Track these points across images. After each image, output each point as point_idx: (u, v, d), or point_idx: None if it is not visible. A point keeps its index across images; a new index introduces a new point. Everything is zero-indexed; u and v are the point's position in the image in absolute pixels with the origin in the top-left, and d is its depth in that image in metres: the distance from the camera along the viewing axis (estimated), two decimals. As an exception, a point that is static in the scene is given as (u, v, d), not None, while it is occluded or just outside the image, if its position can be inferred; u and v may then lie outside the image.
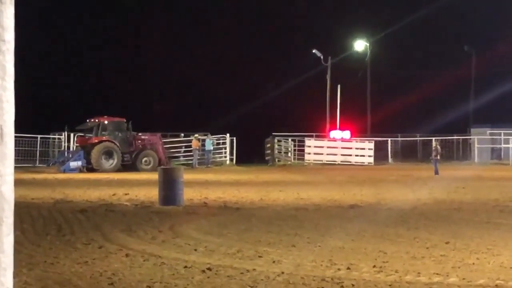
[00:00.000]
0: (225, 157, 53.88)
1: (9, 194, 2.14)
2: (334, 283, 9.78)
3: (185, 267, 10.90)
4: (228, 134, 53.68)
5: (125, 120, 45.88)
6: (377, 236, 14.33)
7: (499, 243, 13.24)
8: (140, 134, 46.70)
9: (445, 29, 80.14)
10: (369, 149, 54.86)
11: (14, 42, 2.24)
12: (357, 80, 64.46)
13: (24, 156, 48.10)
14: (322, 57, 61.18)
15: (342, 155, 54.87)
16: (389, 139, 57.53)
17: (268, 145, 55.96)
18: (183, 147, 52.85)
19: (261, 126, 58.55)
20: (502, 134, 55.97)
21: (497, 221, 17.04)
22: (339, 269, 10.69)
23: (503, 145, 56.27)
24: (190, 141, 51.51)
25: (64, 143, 50.14)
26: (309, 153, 55.49)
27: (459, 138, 57.80)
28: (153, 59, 78.15)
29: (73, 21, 78.46)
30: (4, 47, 2.18)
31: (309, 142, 56.30)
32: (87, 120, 46.03)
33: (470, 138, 57.66)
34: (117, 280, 10.02)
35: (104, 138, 44.53)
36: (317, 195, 24.64)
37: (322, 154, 55.41)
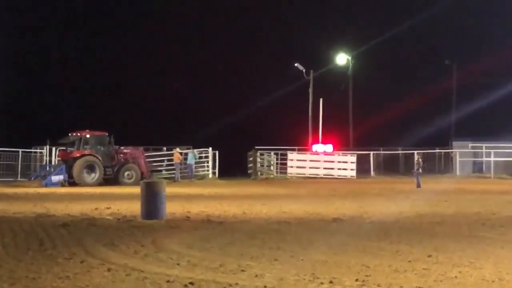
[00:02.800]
0: (208, 170, 53.79)
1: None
2: (317, 297, 9.77)
3: (168, 281, 10.88)
4: (210, 148, 53.60)
5: (107, 134, 45.76)
6: (359, 249, 14.35)
7: (481, 257, 13.29)
8: (122, 147, 46.58)
9: (426, 43, 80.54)
10: (351, 162, 54.88)
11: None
12: (339, 93, 64.55)
13: (6, 170, 47.83)
14: (304, 70, 61.25)
15: (324, 168, 54.87)
16: (371, 152, 57.63)
17: (251, 158, 55.92)
18: (166, 160, 52.74)
19: (243, 140, 58.51)
20: (484, 148, 56.18)
21: (479, 234, 17.11)
22: (322, 283, 10.69)
23: (484, 159, 56.46)
24: (172, 154, 51.40)
25: (46, 157, 49.90)
26: (292, 167, 55.45)
27: (440, 152, 57.98)
28: (135, 73, 78.06)
29: (54, 34, 78.25)
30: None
31: (292, 155, 56.30)
32: (69, 134, 45.87)
33: (452, 152, 57.86)
34: (99, 295, 9.98)
35: (86, 152, 44.40)
36: (300, 208, 24.64)
37: (304, 167, 55.41)
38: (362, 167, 55.54)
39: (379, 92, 71.74)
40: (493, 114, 62.85)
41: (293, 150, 58.06)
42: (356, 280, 10.91)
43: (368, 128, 63.21)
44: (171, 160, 51.55)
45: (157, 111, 74.41)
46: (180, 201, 27.71)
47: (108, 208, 24.53)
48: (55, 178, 42.76)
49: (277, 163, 56.83)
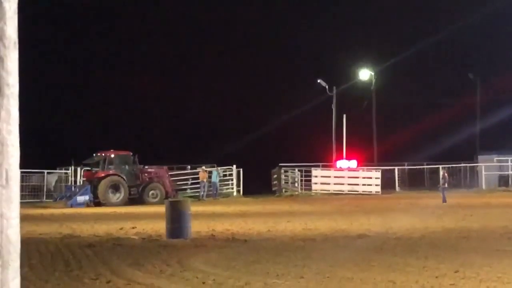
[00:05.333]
0: (232, 188, 53.80)
1: (15, 237, 2.15)
2: (343, 315, 9.72)
3: (194, 301, 10.86)
4: (234, 166, 53.65)
5: (131, 154, 45.95)
6: (385, 266, 14.26)
7: (509, 271, 13.17)
8: (146, 167, 46.76)
9: (450, 57, 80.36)
10: (376, 178, 54.71)
11: (19, 83, 2.27)
12: (363, 109, 64.49)
13: (31, 192, 48.06)
14: (327, 87, 61.24)
15: (349, 184, 54.71)
16: (396, 167, 57.37)
17: (275, 175, 55.88)
18: (190, 179, 52.81)
19: (267, 157, 58.52)
20: (510, 161, 55.85)
21: (507, 248, 16.95)
22: (348, 300, 10.64)
23: (510, 172, 56.13)
24: (196, 173, 51.50)
25: (71, 177, 50.14)
26: (316, 183, 55.34)
27: (466, 166, 57.68)
28: (159, 91, 78.39)
29: (77, 55, 78.86)
30: (8, 91, 2.20)
31: (316, 172, 56.17)
32: (94, 155, 46.11)
33: (477, 166, 57.53)
34: (125, 315, 9.98)
35: (110, 172, 44.58)
36: (325, 225, 24.57)
37: (329, 184, 55.28)
38: (387, 182, 55.31)
39: (403, 106, 71.59)
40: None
41: (317, 166, 57.94)
42: (383, 297, 10.85)
43: (393, 143, 63.03)
44: (196, 178, 51.60)
45: (181, 130, 74.61)
46: (205, 219, 27.71)
47: (133, 227, 24.57)
48: (80, 199, 42.95)
49: (301, 180, 56.71)
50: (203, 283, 12.53)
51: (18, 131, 2.16)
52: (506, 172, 56.74)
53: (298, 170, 56.75)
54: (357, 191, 53.69)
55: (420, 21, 77.65)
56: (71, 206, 41.63)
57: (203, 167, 51.28)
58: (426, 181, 57.41)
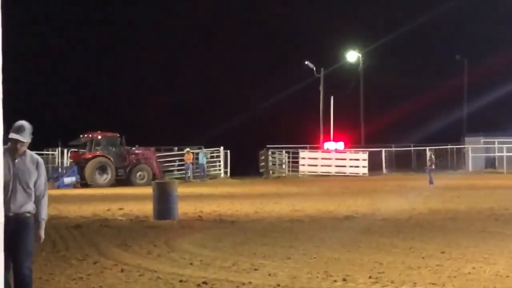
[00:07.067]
0: (219, 170, 53.78)
1: (-1, 212, 2.11)
2: (330, 295, 9.74)
3: (181, 281, 10.87)
4: (222, 147, 53.60)
5: (118, 135, 45.82)
6: (372, 246, 14.31)
7: (494, 252, 13.24)
8: (133, 148, 46.64)
9: (437, 39, 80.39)
10: (363, 159, 54.82)
11: (5, 60, 2.22)
12: (349, 91, 64.48)
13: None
14: (314, 68, 61.20)
15: (336, 166, 54.80)
16: (383, 149, 57.48)
17: (262, 157, 55.87)
18: (177, 160, 52.73)
19: (254, 139, 58.46)
20: (496, 143, 56.00)
21: (493, 230, 17.03)
22: (335, 281, 10.66)
23: (497, 154, 56.28)
24: (183, 155, 51.39)
25: (58, 159, 49.97)
26: (304, 165, 55.40)
27: (453, 147, 57.83)
28: (146, 73, 78.13)
29: (66, 35, 78.44)
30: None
31: (303, 153, 56.22)
32: (81, 136, 45.95)
33: (464, 147, 57.70)
34: (112, 295, 9.97)
35: (97, 153, 44.49)
36: (312, 206, 24.61)
37: (316, 165, 55.34)
38: (374, 164, 55.40)
39: (390, 88, 71.61)
40: (505, 109, 62.60)
41: (305, 148, 57.97)
42: (370, 277, 10.88)
43: (380, 125, 63.09)
44: (183, 160, 51.52)
45: (168, 112, 74.42)
46: (192, 201, 27.70)
47: (120, 209, 24.55)
48: (68, 180, 42.89)
49: (288, 162, 56.78)
50: (190, 264, 12.55)
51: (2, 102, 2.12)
52: (492, 154, 56.92)
53: (286, 152, 56.78)
54: (345, 173, 53.82)
55: (407, 2, 77.56)
56: (58, 187, 41.56)
57: (188, 149, 51.19)
58: (413, 162, 57.59)
